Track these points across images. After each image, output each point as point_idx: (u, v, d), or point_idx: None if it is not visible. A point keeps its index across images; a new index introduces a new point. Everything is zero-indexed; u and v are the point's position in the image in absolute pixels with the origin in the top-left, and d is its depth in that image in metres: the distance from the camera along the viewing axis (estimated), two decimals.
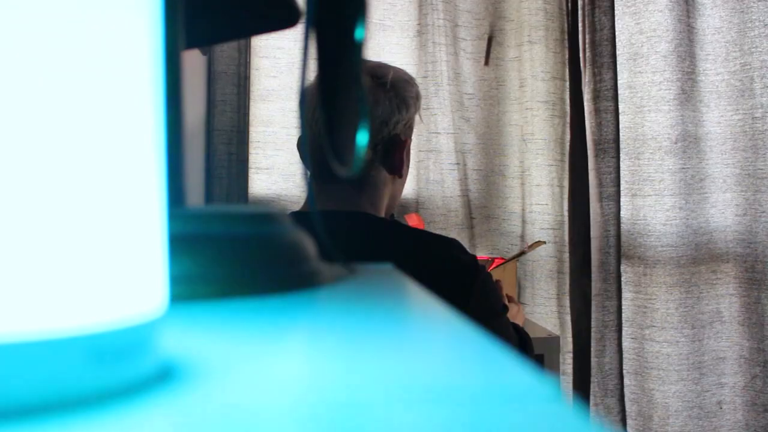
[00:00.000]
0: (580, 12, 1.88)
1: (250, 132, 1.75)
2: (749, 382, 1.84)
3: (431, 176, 1.85)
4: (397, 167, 1.15)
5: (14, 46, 0.16)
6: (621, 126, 1.88)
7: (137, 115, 0.19)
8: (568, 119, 1.93)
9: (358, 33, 0.40)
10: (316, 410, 0.17)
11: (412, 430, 0.16)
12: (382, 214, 1.17)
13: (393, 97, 1.11)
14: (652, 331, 1.85)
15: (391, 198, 1.18)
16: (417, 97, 1.16)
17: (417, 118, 1.19)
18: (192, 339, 0.25)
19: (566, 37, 1.93)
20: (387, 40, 1.86)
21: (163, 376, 0.20)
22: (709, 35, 1.89)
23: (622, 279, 1.87)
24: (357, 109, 0.41)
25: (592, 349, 1.86)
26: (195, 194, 1.72)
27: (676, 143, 1.86)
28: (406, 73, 1.17)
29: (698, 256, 1.87)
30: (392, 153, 1.14)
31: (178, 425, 0.16)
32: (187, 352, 0.23)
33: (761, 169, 1.84)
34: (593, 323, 1.86)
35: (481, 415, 0.17)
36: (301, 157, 1.23)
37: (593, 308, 1.85)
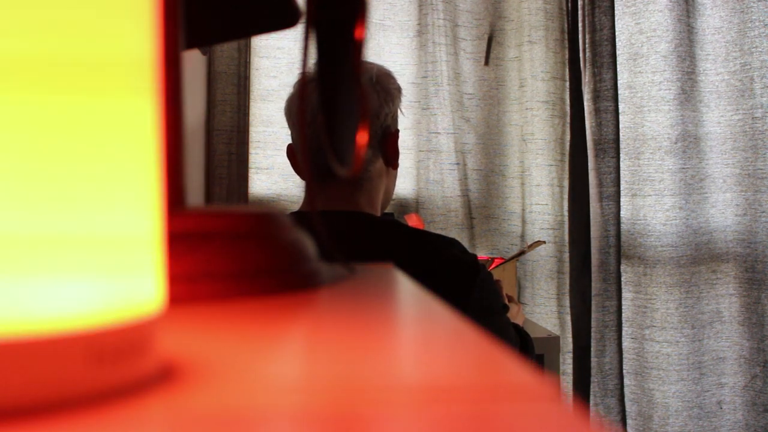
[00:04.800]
0: (580, 12, 1.88)
1: (250, 132, 1.75)
2: (749, 382, 1.84)
3: (431, 176, 1.85)
4: (392, 158, 1.19)
5: (12, 43, 0.16)
6: (621, 126, 1.88)
7: (137, 115, 0.19)
8: (568, 119, 1.93)
9: (358, 33, 0.40)
10: (316, 410, 0.17)
11: (413, 430, 0.16)
12: (379, 210, 1.19)
13: (380, 90, 1.15)
14: (652, 331, 1.85)
15: (385, 192, 1.21)
16: (399, 89, 1.20)
17: (399, 110, 1.22)
18: (192, 339, 0.25)
19: (566, 37, 1.93)
20: (387, 40, 1.86)
21: (163, 376, 0.20)
22: (709, 35, 1.89)
23: (622, 279, 1.87)
24: (357, 108, 0.41)
25: (592, 349, 1.86)
26: (195, 194, 1.72)
27: (676, 143, 1.86)
28: (385, 68, 1.21)
29: (698, 256, 1.87)
30: (386, 145, 1.17)
31: (178, 425, 0.16)
32: (187, 352, 0.23)
33: (761, 169, 1.84)
34: (593, 323, 1.86)
35: (481, 415, 0.17)
36: (291, 163, 1.26)
37: (593, 308, 1.85)
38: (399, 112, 1.23)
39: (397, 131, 1.20)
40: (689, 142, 1.87)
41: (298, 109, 1.17)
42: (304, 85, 0.40)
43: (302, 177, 1.29)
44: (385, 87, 1.16)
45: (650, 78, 1.88)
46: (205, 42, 0.58)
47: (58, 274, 0.16)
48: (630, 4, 1.89)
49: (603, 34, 1.86)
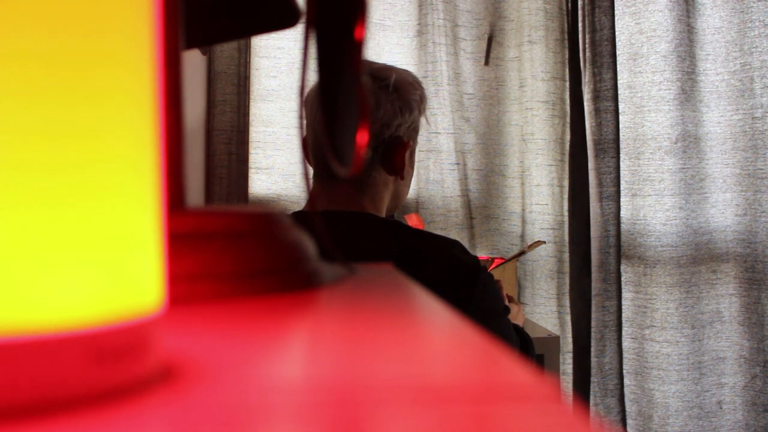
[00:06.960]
0: (580, 12, 1.88)
1: (250, 132, 1.75)
2: (749, 382, 1.84)
3: (431, 176, 1.85)
4: (398, 169, 1.14)
5: (14, 43, 0.16)
6: (621, 126, 1.88)
7: (137, 114, 0.19)
8: (568, 119, 1.93)
9: (358, 33, 0.40)
10: (316, 410, 0.17)
11: (412, 430, 0.16)
12: (384, 212, 1.17)
13: (396, 99, 1.11)
14: (652, 331, 1.85)
15: (393, 198, 1.18)
16: (421, 99, 1.15)
17: (423, 120, 1.18)
18: (192, 339, 0.25)
19: (566, 37, 1.93)
20: (387, 40, 1.86)
21: (163, 376, 0.20)
22: (709, 35, 1.89)
23: (622, 279, 1.87)
24: (357, 109, 0.41)
25: (592, 349, 1.86)
26: (195, 194, 1.72)
27: (676, 143, 1.86)
28: (410, 75, 1.16)
29: (698, 256, 1.87)
30: (393, 155, 1.13)
31: (178, 425, 0.16)
32: (187, 352, 0.23)
33: (761, 169, 1.84)
34: (593, 323, 1.86)
35: (481, 415, 0.17)
36: (305, 155, 1.23)
37: (593, 308, 1.85)
38: (423, 120, 1.16)
39: (409, 142, 1.14)
40: (689, 142, 1.87)
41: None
42: (303, 85, 0.40)
43: (313, 168, 1.26)
44: (403, 97, 1.11)
45: (650, 78, 1.88)
46: (205, 42, 0.58)
47: (58, 274, 0.16)
48: (630, 4, 1.89)
49: (603, 34, 1.86)
